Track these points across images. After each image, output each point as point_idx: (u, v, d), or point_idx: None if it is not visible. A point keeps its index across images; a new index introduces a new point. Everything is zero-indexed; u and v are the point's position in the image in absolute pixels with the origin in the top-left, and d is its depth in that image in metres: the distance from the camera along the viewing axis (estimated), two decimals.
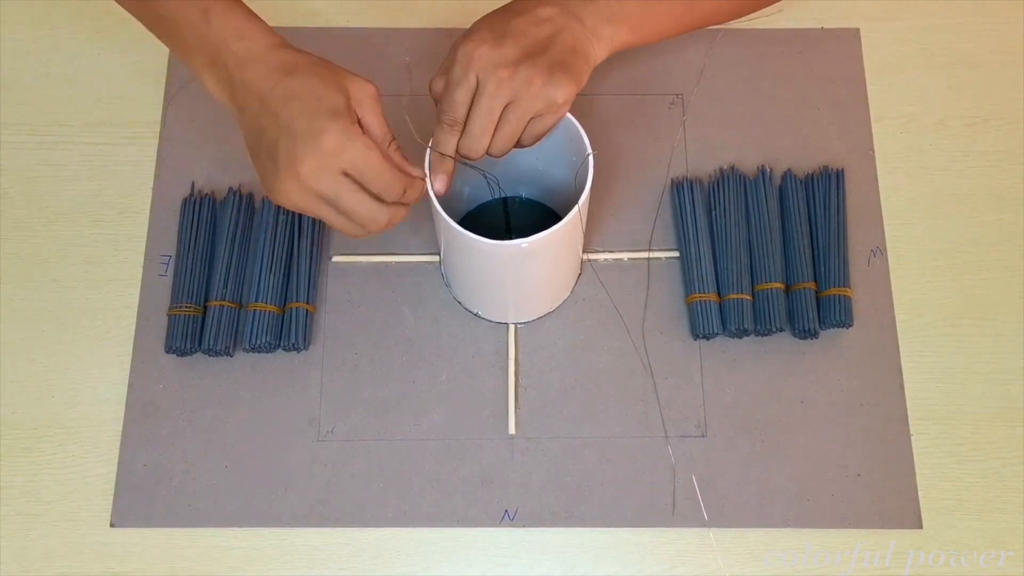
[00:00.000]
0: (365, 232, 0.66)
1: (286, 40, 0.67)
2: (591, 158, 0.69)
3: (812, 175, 0.85)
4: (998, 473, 0.78)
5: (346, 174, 0.63)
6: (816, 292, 0.81)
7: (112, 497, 0.77)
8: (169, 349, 0.79)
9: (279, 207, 0.81)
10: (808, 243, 0.82)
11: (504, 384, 0.80)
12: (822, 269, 0.81)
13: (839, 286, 0.80)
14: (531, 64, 0.66)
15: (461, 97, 0.67)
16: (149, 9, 0.70)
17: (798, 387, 0.80)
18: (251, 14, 0.68)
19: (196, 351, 0.80)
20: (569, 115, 0.69)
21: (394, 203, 0.66)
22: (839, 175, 0.84)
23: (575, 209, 0.68)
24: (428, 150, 0.68)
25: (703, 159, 0.86)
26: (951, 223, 0.85)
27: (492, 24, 0.68)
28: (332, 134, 0.62)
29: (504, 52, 0.66)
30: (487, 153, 0.68)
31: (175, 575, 0.76)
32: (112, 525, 0.76)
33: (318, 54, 0.66)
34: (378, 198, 0.65)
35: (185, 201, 0.84)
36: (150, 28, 0.72)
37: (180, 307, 0.79)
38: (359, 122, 0.64)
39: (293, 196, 0.64)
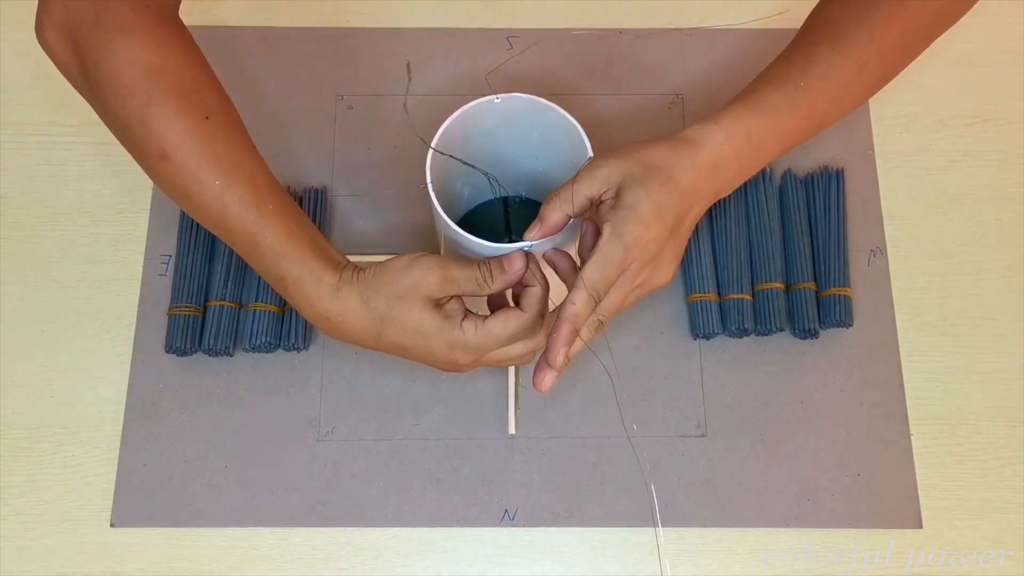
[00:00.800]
0: (530, 359, 0.67)
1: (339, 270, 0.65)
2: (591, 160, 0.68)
3: (812, 175, 0.85)
4: (998, 473, 0.79)
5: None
6: (816, 292, 0.81)
7: (112, 497, 0.77)
8: (169, 349, 0.79)
9: None
10: (808, 243, 0.82)
11: (504, 384, 0.80)
12: (822, 269, 0.81)
13: (839, 286, 0.80)
14: (671, 249, 0.64)
15: (613, 275, 0.62)
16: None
17: (798, 387, 0.80)
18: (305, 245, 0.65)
19: (196, 351, 0.80)
20: (569, 116, 0.69)
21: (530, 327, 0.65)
22: (839, 175, 0.84)
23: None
24: (429, 151, 0.68)
25: None
26: (951, 223, 0.85)
27: (664, 216, 0.63)
28: (457, 355, 0.63)
29: (659, 238, 0.63)
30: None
31: (177, 573, 0.76)
32: (112, 525, 0.76)
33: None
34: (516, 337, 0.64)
35: None
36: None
37: (180, 307, 0.79)
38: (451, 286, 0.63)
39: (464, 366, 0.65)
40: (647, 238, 0.61)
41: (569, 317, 0.62)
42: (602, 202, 0.63)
